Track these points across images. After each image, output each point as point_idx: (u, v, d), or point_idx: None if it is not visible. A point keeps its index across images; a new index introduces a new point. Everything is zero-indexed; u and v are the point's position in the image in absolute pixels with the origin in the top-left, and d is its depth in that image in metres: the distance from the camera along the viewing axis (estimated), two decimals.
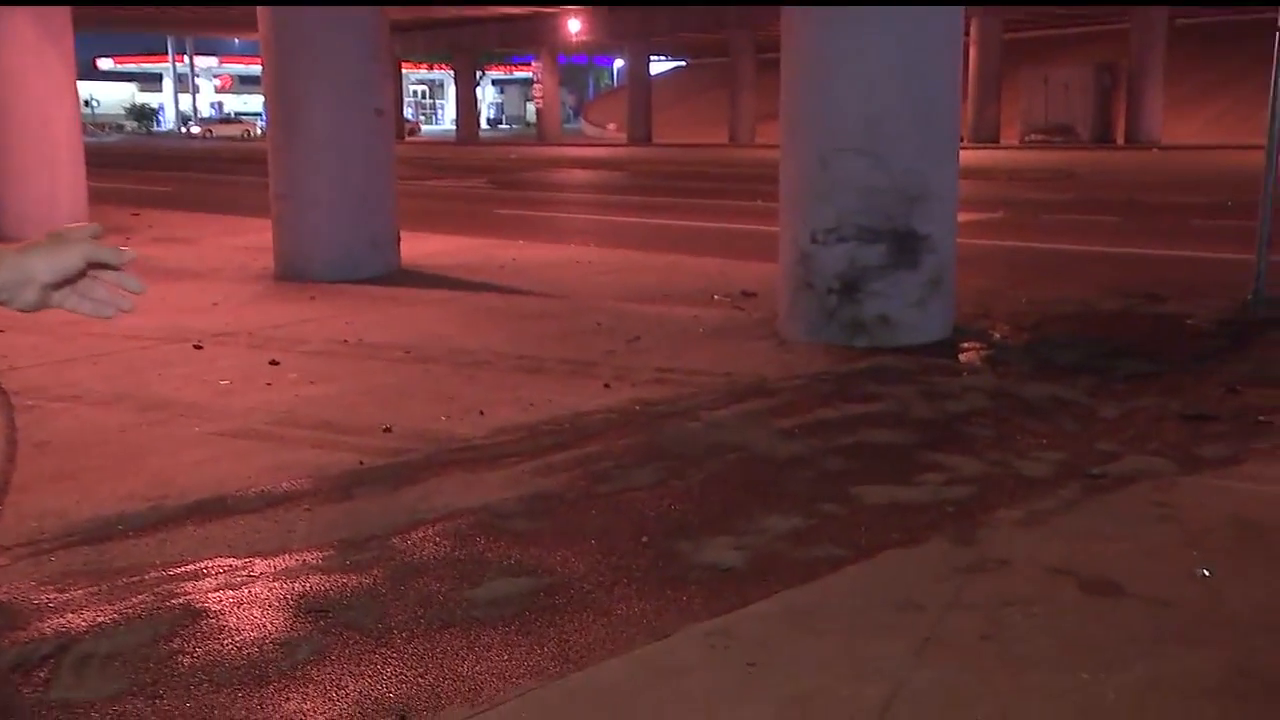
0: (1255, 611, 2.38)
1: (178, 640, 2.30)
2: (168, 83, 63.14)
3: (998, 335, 5.27)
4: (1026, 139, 28.38)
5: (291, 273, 7.14)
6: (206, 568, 2.67)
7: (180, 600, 2.48)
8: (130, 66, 63.67)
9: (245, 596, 2.50)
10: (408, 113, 52.02)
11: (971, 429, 3.74)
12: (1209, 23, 30.29)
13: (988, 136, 28.86)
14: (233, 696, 2.09)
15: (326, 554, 2.74)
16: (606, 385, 4.33)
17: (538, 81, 42.42)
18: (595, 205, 14.53)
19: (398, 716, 2.01)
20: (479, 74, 49.31)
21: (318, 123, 7.00)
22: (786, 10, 5.23)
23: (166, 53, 60.15)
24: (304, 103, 7.02)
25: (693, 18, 33.79)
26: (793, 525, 2.88)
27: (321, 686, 2.11)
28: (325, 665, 2.19)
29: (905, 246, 4.96)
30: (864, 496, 3.10)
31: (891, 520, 2.91)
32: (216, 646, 2.27)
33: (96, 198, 10.73)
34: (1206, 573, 2.54)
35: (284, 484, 3.26)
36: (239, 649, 2.26)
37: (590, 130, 47.46)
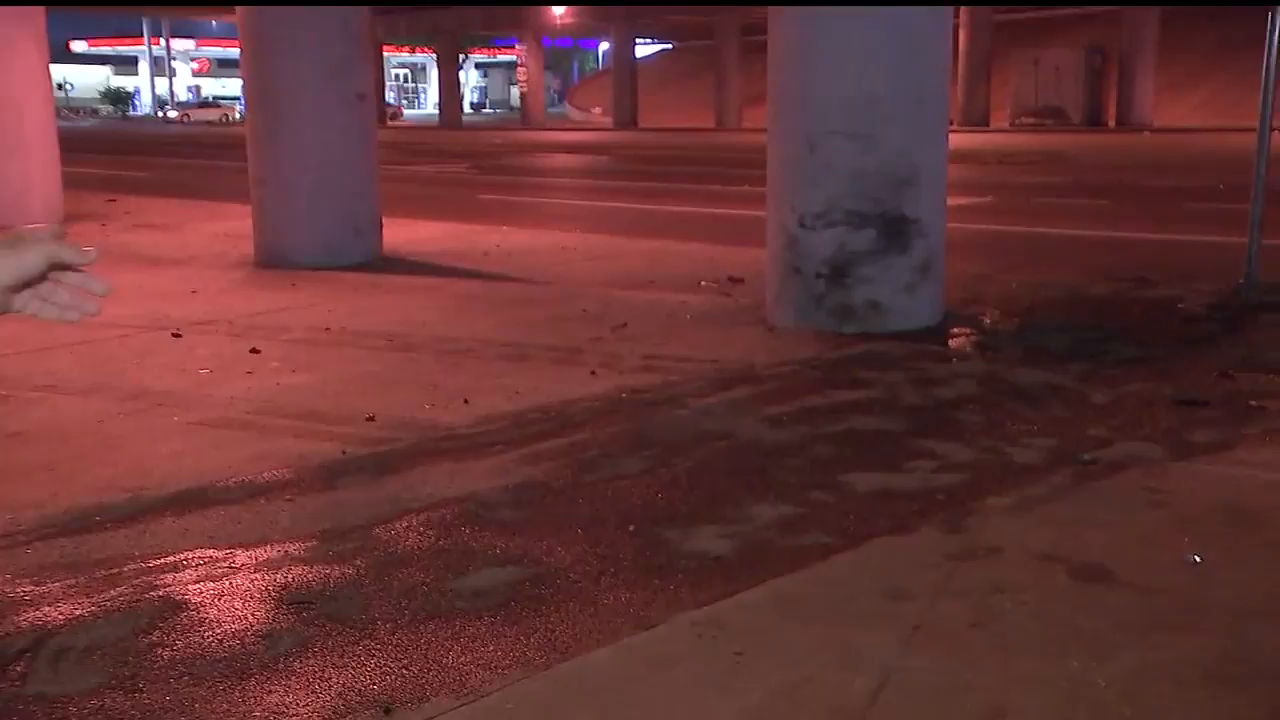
0: (1246, 598, 2.37)
1: (157, 633, 2.26)
2: (144, 66, 62.31)
3: (988, 320, 5.26)
4: (1017, 122, 28.42)
5: (272, 260, 7.06)
6: (186, 559, 2.63)
7: (160, 592, 2.44)
8: (105, 49, 62.77)
9: (226, 588, 2.47)
10: (390, 97, 51.69)
11: (962, 415, 3.72)
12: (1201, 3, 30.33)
13: (978, 120, 28.87)
14: (213, 690, 2.06)
15: (309, 545, 2.71)
16: (593, 373, 4.30)
17: (522, 65, 42.20)
18: (580, 190, 14.47)
19: (382, 709, 1.99)
20: (462, 57, 49.01)
21: (298, 107, 6.91)
22: None
23: (142, 35, 59.33)
24: (284, 87, 6.92)
25: None
26: (781, 513, 2.86)
27: (304, 679, 2.08)
28: (308, 657, 2.16)
29: (895, 231, 4.93)
30: (853, 484, 3.08)
31: (881, 508, 2.90)
32: (197, 639, 2.24)
33: (71, 184, 10.60)
34: (1198, 559, 2.54)
35: (265, 474, 3.22)
36: (220, 641, 2.23)
37: (575, 114, 47.30)
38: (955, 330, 5.06)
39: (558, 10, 36.44)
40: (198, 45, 63.54)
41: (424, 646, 2.20)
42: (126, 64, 65.36)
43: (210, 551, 2.67)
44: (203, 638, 2.25)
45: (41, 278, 0.97)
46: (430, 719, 1.96)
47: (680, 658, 2.15)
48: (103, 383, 4.26)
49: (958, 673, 2.07)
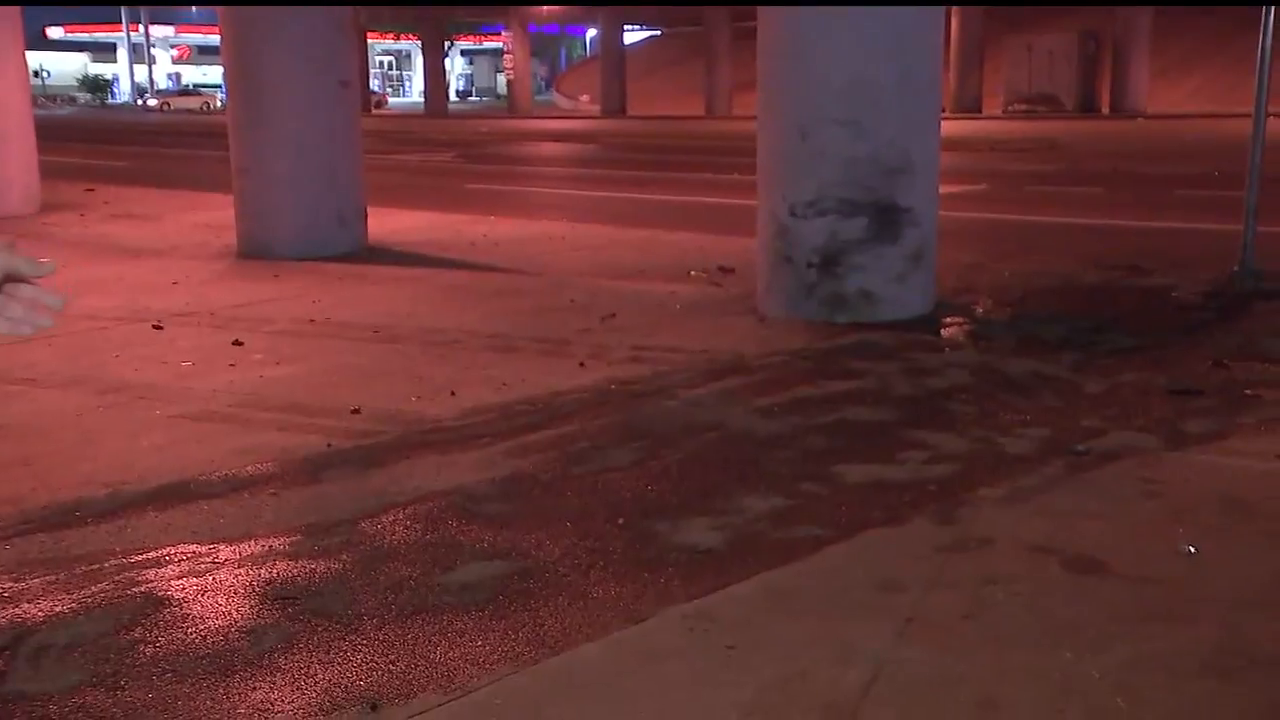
0: (1241, 588, 2.36)
1: (139, 629, 2.23)
2: (122, 53, 61.59)
3: (980, 310, 5.25)
4: (1009, 109, 28.39)
5: (255, 250, 7.00)
6: (169, 554, 2.59)
7: (141, 588, 2.41)
8: (82, 36, 61.92)
9: (209, 584, 2.44)
10: (374, 85, 51.38)
11: (954, 406, 3.71)
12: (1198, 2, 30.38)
13: (970, 106, 28.83)
14: (197, 687, 2.02)
15: (293, 539, 2.68)
16: (581, 364, 4.27)
17: (508, 52, 41.95)
18: (568, 179, 14.41)
19: (368, 705, 1.96)
20: (447, 44, 48.70)
21: (280, 95, 6.83)
22: None
23: (120, 21, 58.62)
24: (266, 74, 6.84)
25: None
26: (772, 505, 2.84)
27: (289, 675, 2.06)
28: (293, 653, 2.14)
29: (887, 220, 4.91)
30: (845, 475, 3.06)
31: (873, 499, 2.88)
32: (180, 635, 2.21)
33: (49, 173, 10.49)
34: (1192, 550, 2.52)
35: (249, 468, 3.18)
36: (203, 638, 2.20)
37: (563, 102, 47.12)
38: (948, 320, 5.05)
39: None
40: (177, 32, 62.80)
41: (410, 642, 2.17)
42: (104, 51, 64.56)
43: (193, 546, 2.64)
44: (186, 634, 2.22)
45: None
46: (417, 715, 1.93)
47: (671, 652, 2.13)
48: (82, 376, 4.21)
49: (951, 665, 2.06)
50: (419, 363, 4.37)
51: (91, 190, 11.28)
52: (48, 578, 2.46)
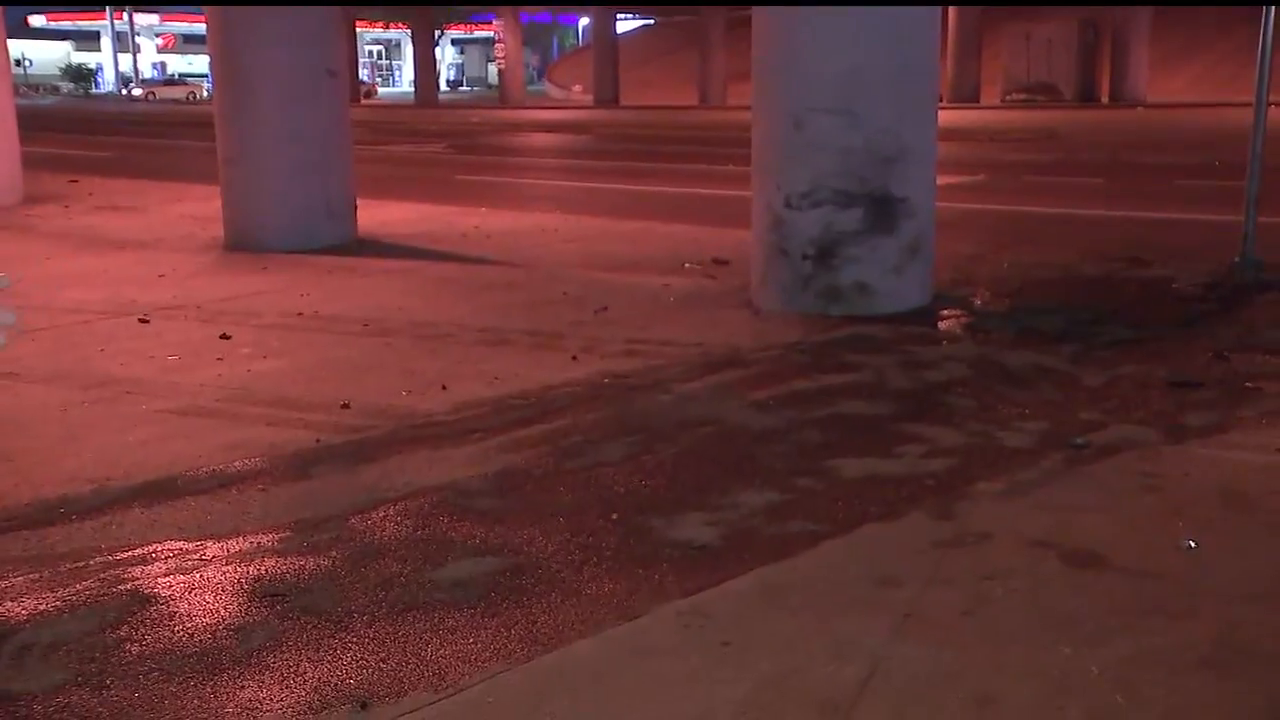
0: (1241, 583, 2.35)
1: (125, 628, 2.20)
2: (106, 41, 61.03)
3: (978, 302, 5.23)
4: (1008, 98, 28.34)
5: (242, 242, 6.94)
6: (155, 551, 2.56)
7: (127, 586, 2.38)
8: (65, 24, 61.33)
9: (197, 581, 2.41)
10: (363, 74, 51.17)
11: (951, 399, 3.69)
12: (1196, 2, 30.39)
13: (968, 96, 28.76)
14: (184, 686, 2.00)
15: (282, 535, 2.65)
16: (574, 358, 4.24)
17: (499, 41, 41.77)
18: (560, 170, 14.36)
19: (358, 703, 1.94)
20: (438, 33, 48.44)
21: (268, 85, 6.77)
22: None
23: (104, 9, 58.08)
24: (252, 64, 6.78)
25: None
26: (768, 500, 2.82)
27: (278, 674, 2.03)
28: (282, 651, 2.11)
29: (883, 211, 4.88)
30: (841, 470, 3.04)
31: (869, 494, 2.86)
32: (167, 634, 2.18)
33: (32, 164, 10.42)
34: (1192, 544, 2.51)
35: (237, 463, 3.15)
36: (190, 636, 2.17)
37: (555, 92, 47.00)
38: (945, 312, 5.02)
39: None
40: (162, 20, 62.19)
41: (401, 639, 2.15)
42: (88, 39, 63.91)
43: (180, 543, 2.61)
44: (173, 632, 2.19)
45: None
46: (408, 713, 1.91)
47: (666, 648, 2.11)
48: (67, 370, 4.17)
49: (948, 660, 2.04)
50: (410, 356, 4.34)
51: (75, 181, 11.20)
52: (31, 575, 2.43)
